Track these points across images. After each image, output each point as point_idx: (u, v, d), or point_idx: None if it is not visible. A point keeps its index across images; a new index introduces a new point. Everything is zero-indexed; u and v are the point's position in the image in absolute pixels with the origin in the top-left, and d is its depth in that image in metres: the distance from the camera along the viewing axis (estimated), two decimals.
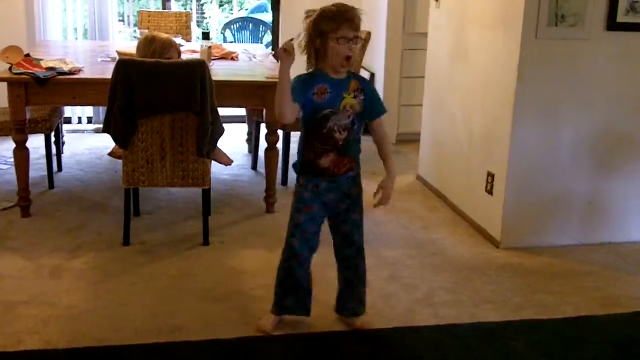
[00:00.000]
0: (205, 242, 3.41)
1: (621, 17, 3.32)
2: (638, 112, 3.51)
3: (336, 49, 2.33)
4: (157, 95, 3.18)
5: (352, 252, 2.62)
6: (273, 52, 5.37)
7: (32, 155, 3.74)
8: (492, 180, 3.58)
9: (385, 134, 2.56)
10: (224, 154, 3.84)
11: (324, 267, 2.93)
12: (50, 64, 3.64)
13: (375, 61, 5.53)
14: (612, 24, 3.33)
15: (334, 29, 2.32)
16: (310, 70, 2.44)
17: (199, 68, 3.18)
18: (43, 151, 4.20)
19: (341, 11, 2.34)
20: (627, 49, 3.40)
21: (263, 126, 4.03)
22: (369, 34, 4.39)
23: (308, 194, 2.51)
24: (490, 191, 3.61)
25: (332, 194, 2.51)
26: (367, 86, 2.50)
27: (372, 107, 2.49)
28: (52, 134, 4.19)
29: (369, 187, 2.60)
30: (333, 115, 2.41)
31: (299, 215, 2.53)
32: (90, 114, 5.78)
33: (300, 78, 2.42)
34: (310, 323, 2.70)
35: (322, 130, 2.42)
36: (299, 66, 2.45)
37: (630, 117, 3.51)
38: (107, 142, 4.42)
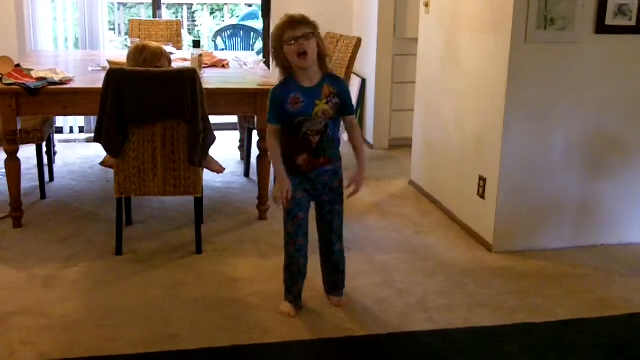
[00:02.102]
0: (198, 251, 3.41)
1: (610, 20, 3.34)
2: (628, 114, 3.53)
3: (289, 51, 2.56)
4: (148, 104, 3.18)
5: (334, 238, 2.84)
6: (264, 59, 5.37)
7: (24, 166, 3.73)
8: (484, 184, 3.59)
9: (356, 128, 2.77)
10: (216, 162, 3.84)
11: (312, 273, 2.94)
12: (41, 74, 3.63)
13: (367, 67, 5.54)
14: (601, 27, 3.35)
15: (281, 36, 2.56)
16: (284, 77, 2.66)
17: (189, 76, 3.19)
18: (35, 161, 4.19)
19: (287, 19, 2.58)
20: (616, 51, 3.42)
21: (255, 133, 4.03)
22: (359, 40, 4.40)
23: (291, 182, 2.71)
24: (482, 195, 3.62)
25: (312, 184, 2.72)
26: (341, 88, 2.68)
27: (343, 107, 2.68)
28: (44, 144, 4.18)
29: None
30: (307, 122, 2.62)
31: (288, 203, 2.73)
32: (82, 124, 5.78)
33: (275, 96, 2.64)
34: (304, 330, 2.70)
35: (299, 136, 2.64)
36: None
37: (621, 120, 3.53)
38: (98, 151, 4.42)
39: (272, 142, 2.71)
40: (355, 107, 2.74)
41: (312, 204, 2.80)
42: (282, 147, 2.71)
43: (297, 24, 2.55)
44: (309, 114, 2.61)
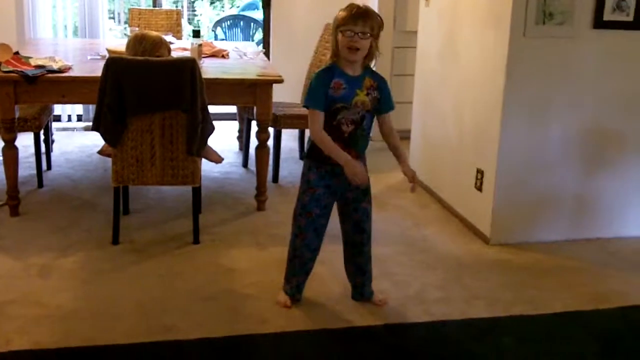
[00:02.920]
0: (196, 241, 3.41)
1: (608, 16, 3.34)
2: (626, 109, 3.53)
3: (342, 41, 2.51)
4: (147, 93, 3.18)
5: (363, 239, 2.78)
6: (264, 50, 5.36)
7: (21, 154, 3.72)
8: (482, 177, 3.60)
9: (393, 127, 2.73)
10: (215, 152, 3.83)
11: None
12: (40, 62, 3.62)
13: None
14: (599, 22, 3.34)
15: (341, 24, 2.52)
16: (329, 63, 2.61)
17: (189, 66, 3.18)
18: (32, 150, 4.18)
19: (353, 9, 2.52)
20: (613, 46, 3.42)
21: (254, 124, 4.03)
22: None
23: (313, 176, 2.66)
24: (479, 188, 3.62)
25: (336, 180, 2.64)
26: (382, 84, 2.65)
27: (384, 103, 2.66)
28: (42, 132, 4.17)
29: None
30: (344, 109, 2.57)
31: (305, 196, 2.69)
32: (80, 112, 5.77)
33: (320, 78, 2.58)
34: (301, 320, 2.71)
35: (332, 122, 2.57)
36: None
37: (619, 114, 3.53)
38: (96, 140, 4.41)
39: (318, 129, 2.55)
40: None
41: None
42: None
43: (361, 19, 2.49)
44: (348, 101, 2.55)
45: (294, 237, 2.75)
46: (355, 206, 2.72)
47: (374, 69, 2.69)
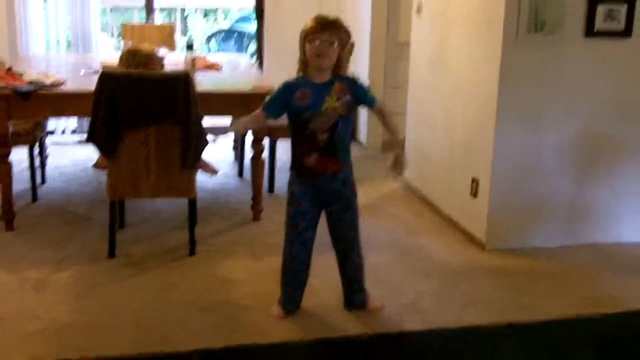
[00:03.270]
0: (192, 252, 3.40)
1: (599, 24, 3.36)
2: (619, 116, 3.55)
3: (309, 48, 2.54)
4: (141, 107, 3.18)
5: (347, 249, 2.78)
6: (258, 61, 5.38)
7: (15, 168, 3.72)
8: (477, 184, 3.61)
9: (385, 115, 2.75)
10: (209, 164, 3.83)
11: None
12: (33, 78, 3.62)
13: (359, 71, 5.55)
14: (591, 31, 3.37)
15: (308, 33, 2.55)
16: (299, 75, 2.62)
17: (182, 79, 3.18)
18: (26, 164, 4.18)
19: (319, 19, 2.56)
20: (605, 54, 3.44)
21: (249, 133, 4.03)
22: (352, 44, 4.40)
23: (297, 188, 2.68)
24: (475, 194, 3.63)
25: (319, 191, 2.66)
26: (353, 83, 2.64)
27: (364, 101, 2.68)
28: (36, 146, 4.17)
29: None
30: (314, 118, 2.57)
31: (290, 209, 2.71)
32: (74, 126, 5.77)
33: (284, 85, 2.62)
34: (298, 330, 2.70)
35: (305, 132, 2.59)
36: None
37: (612, 121, 3.55)
38: (91, 153, 4.41)
39: (252, 114, 2.73)
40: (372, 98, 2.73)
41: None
42: (292, 148, 2.66)
43: (326, 27, 2.52)
44: (316, 109, 2.55)
45: (284, 248, 2.76)
46: (340, 217, 2.72)
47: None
